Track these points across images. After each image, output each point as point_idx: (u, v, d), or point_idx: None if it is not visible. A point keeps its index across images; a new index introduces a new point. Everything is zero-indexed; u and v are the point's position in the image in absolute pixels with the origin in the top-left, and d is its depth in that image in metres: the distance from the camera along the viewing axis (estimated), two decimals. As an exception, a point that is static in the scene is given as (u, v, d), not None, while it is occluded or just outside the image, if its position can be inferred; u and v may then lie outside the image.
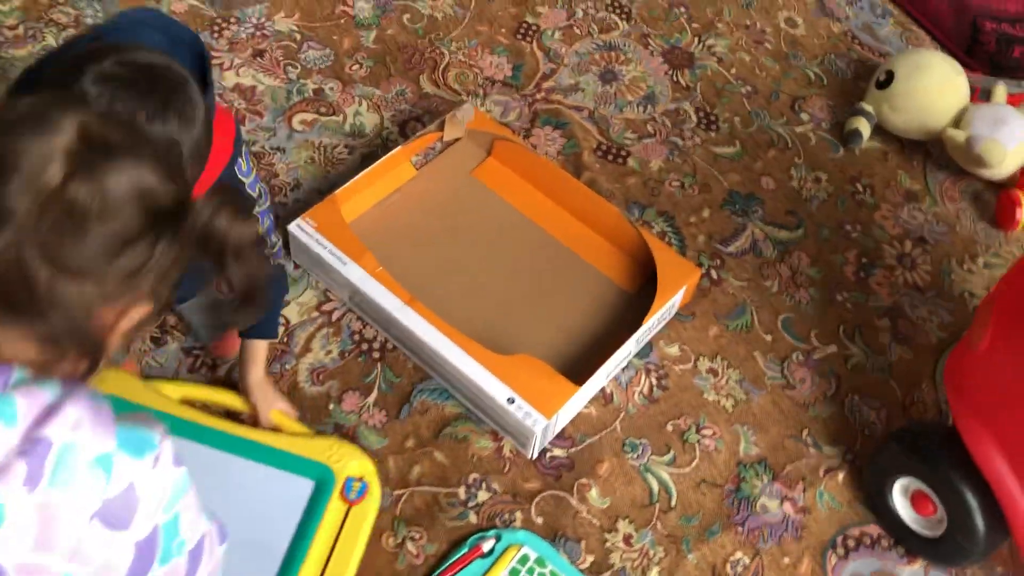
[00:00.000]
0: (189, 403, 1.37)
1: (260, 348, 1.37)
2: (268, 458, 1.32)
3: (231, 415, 1.38)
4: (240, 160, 1.20)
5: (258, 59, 1.85)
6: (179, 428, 1.31)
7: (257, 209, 1.27)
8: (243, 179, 1.21)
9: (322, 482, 1.30)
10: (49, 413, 0.60)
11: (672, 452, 1.47)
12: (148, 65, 0.93)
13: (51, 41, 1.79)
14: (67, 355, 0.65)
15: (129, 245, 0.64)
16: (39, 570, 0.59)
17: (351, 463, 1.32)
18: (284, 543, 1.26)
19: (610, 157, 1.84)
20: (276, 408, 1.37)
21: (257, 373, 1.37)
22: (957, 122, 1.84)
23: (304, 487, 1.30)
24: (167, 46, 1.01)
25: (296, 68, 1.86)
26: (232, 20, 1.90)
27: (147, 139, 0.71)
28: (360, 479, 1.31)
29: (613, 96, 1.93)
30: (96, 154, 0.63)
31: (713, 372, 1.56)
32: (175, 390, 1.38)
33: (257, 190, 1.26)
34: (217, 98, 1.24)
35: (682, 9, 2.11)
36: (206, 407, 1.37)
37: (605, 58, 2.00)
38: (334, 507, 1.28)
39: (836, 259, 1.74)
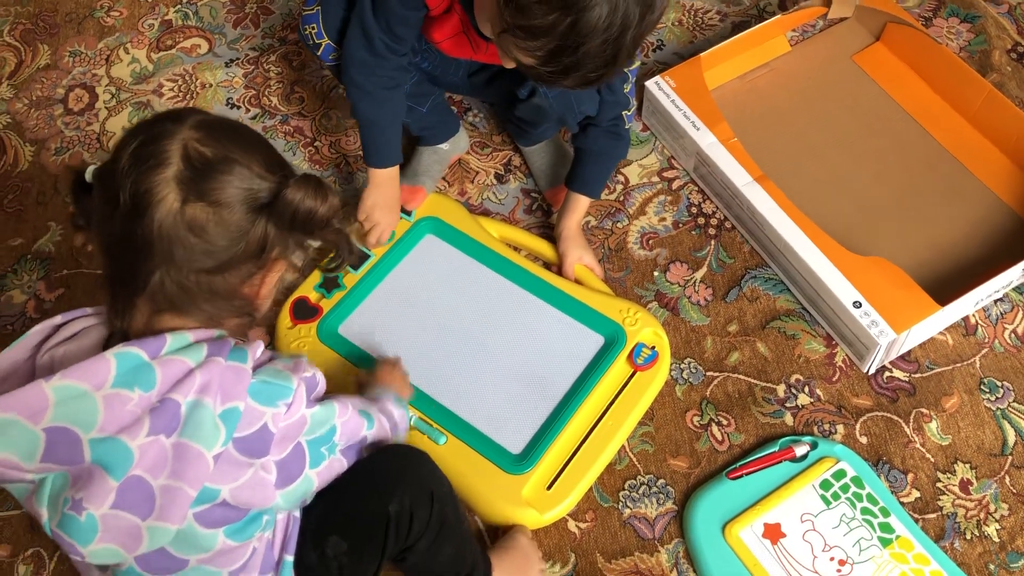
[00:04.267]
0: (507, 243, 1.37)
1: (581, 202, 1.35)
2: (566, 306, 1.31)
3: (545, 264, 1.38)
4: None
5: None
6: (493, 262, 1.35)
7: None
8: None
9: (612, 340, 1.27)
10: (183, 379, 0.76)
11: (1041, 404, 1.24)
12: None
13: None
14: (226, 321, 0.82)
15: (245, 237, 0.79)
16: (177, 491, 0.77)
17: (645, 329, 1.27)
18: (564, 388, 1.24)
19: (1026, 62, 1.55)
20: (582, 263, 1.34)
21: (570, 225, 1.35)
22: None
23: (594, 341, 1.28)
24: None
25: (680, -74, 1.75)
26: None
27: (243, 142, 0.81)
28: (651, 347, 1.25)
29: (1044, -7, 1.62)
30: (200, 175, 0.77)
31: (1113, 327, 1.29)
32: (496, 228, 1.40)
33: None
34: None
35: None
36: (518, 250, 1.38)
37: (1042, -53, 1.68)
38: (619, 367, 1.24)
39: None
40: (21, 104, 1.61)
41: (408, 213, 1.39)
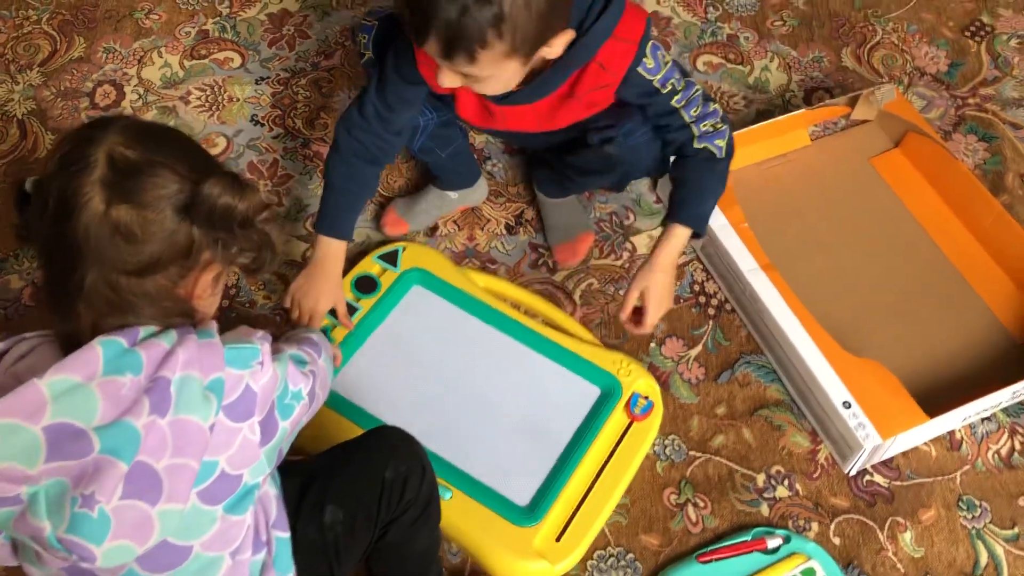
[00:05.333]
0: (492, 294, 1.38)
1: (679, 234, 1.23)
2: (560, 358, 1.32)
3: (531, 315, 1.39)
4: (645, 59, 1.16)
5: (682, -8, 1.80)
6: (483, 313, 1.35)
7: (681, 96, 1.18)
8: (648, 76, 1.16)
9: (608, 392, 1.29)
10: (166, 358, 0.78)
11: (1017, 529, 1.24)
12: None
13: None
14: (172, 319, 0.82)
15: (171, 238, 0.79)
16: (182, 469, 0.78)
17: (639, 380, 1.29)
18: (565, 439, 1.25)
19: (1038, 187, 1.58)
20: (646, 292, 1.22)
21: (659, 257, 1.23)
22: None
23: (591, 392, 1.30)
24: None
25: (717, 10, 1.79)
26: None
27: (169, 145, 0.83)
28: (646, 397, 1.28)
29: (1062, 123, 1.66)
30: (124, 178, 0.78)
31: (1096, 461, 1.30)
32: (481, 279, 1.41)
33: (670, 85, 1.18)
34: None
35: None
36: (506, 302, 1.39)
37: (1065, 79, 1.72)
38: (617, 418, 1.26)
39: None
40: (49, 92, 1.62)
41: (354, 311, 1.35)
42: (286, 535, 0.93)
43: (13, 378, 0.80)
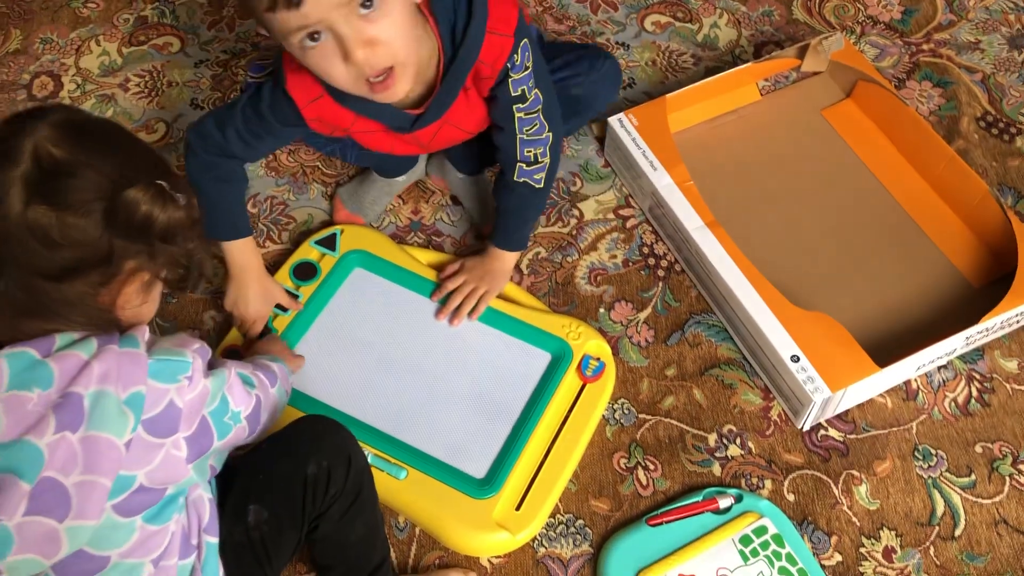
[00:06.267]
0: (437, 269, 1.36)
1: (509, 255, 1.33)
2: (508, 327, 1.30)
3: None
4: (515, 54, 1.13)
5: (628, -48, 1.76)
6: (427, 290, 1.33)
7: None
8: (512, 75, 1.15)
9: (559, 356, 1.27)
10: (80, 372, 0.74)
11: (973, 476, 1.22)
12: None
13: None
14: (96, 326, 0.78)
15: (90, 243, 0.75)
16: (93, 485, 0.74)
17: (589, 342, 1.28)
18: (518, 408, 1.24)
19: (995, 131, 1.54)
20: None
21: (498, 265, 1.33)
22: None
23: (542, 359, 1.28)
24: None
25: (664, -32, 1.76)
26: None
27: (103, 145, 0.78)
28: (597, 359, 1.26)
29: (1020, 65, 1.62)
30: (47, 176, 0.74)
31: (1055, 404, 1.27)
32: (424, 255, 1.38)
33: (520, 90, 1.17)
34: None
35: None
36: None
37: (1022, 20, 1.68)
38: (569, 381, 1.25)
39: None
40: (-15, 86, 1.60)
41: (296, 297, 1.32)
42: (216, 540, 0.91)
43: None
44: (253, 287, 1.26)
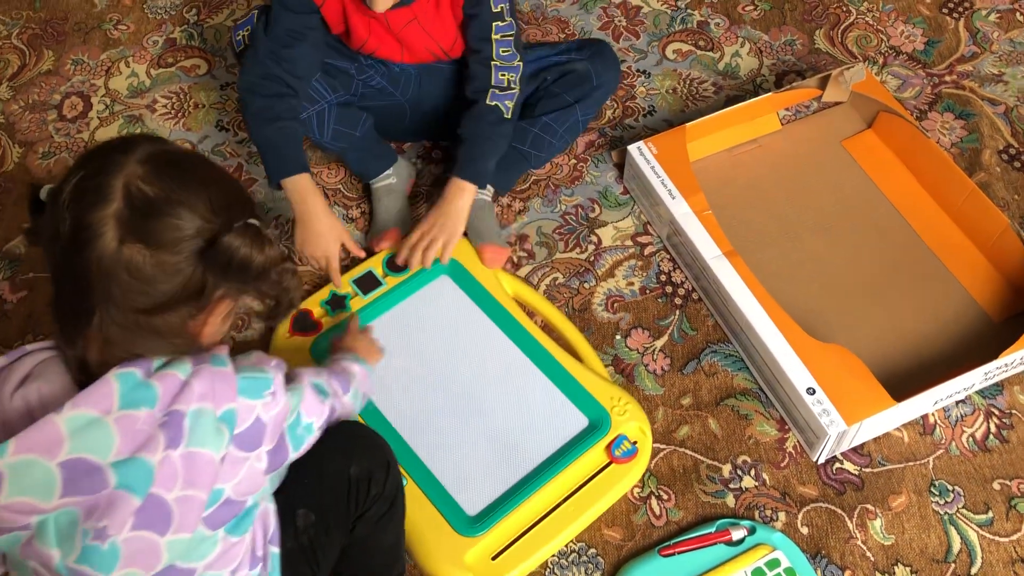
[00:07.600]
0: (519, 302, 1.36)
1: (467, 188, 1.35)
2: (560, 380, 1.27)
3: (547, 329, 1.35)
4: None
5: (651, -19, 1.78)
6: (500, 318, 1.33)
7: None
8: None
9: (596, 426, 1.23)
10: (181, 391, 0.77)
11: (991, 514, 1.20)
12: None
13: None
14: (179, 351, 0.81)
15: (183, 280, 0.78)
16: (192, 500, 0.78)
17: (631, 423, 1.22)
18: (536, 461, 1.21)
19: (1017, 164, 1.54)
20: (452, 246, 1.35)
21: (453, 206, 1.34)
22: None
23: (578, 421, 1.24)
24: None
25: (687, -3, 1.77)
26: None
27: (191, 181, 0.80)
28: (633, 442, 1.21)
29: (1043, 97, 1.62)
30: (140, 215, 0.76)
31: (1075, 442, 1.26)
32: (512, 285, 1.38)
33: (500, 7, 1.31)
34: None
35: None
36: (529, 313, 1.36)
37: (1046, 52, 1.68)
38: (595, 454, 1.20)
39: None
40: (17, 106, 1.64)
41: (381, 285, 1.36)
42: (278, 550, 0.93)
43: (23, 401, 0.79)
44: (320, 222, 1.30)
